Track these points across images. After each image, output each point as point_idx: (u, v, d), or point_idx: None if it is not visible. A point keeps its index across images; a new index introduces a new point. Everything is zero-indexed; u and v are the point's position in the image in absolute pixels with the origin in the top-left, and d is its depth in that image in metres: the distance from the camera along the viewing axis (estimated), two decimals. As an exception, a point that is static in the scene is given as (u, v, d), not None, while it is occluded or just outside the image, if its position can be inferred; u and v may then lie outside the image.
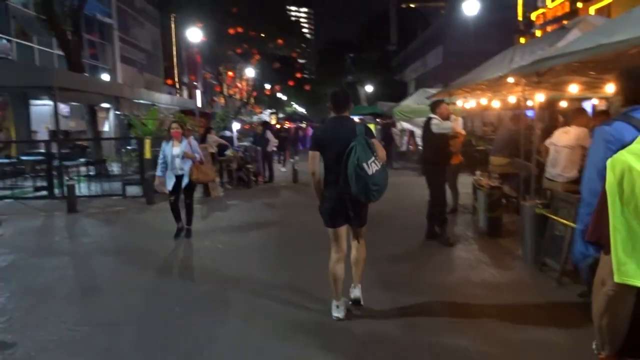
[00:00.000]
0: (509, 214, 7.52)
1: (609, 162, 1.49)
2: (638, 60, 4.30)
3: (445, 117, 6.73)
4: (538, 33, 23.82)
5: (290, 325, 4.09)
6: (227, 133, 15.57)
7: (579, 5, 19.79)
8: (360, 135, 3.90)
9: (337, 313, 4.18)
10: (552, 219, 5.20)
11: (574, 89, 6.53)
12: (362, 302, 4.39)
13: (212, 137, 13.56)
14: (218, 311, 4.47)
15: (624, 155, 1.36)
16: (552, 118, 10.54)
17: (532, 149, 6.68)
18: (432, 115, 6.77)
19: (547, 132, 7.48)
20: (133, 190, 11.55)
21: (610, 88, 5.90)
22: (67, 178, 10.91)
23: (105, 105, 18.80)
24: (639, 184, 1.23)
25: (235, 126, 23.78)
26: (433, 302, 4.54)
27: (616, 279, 1.24)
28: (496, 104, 9.44)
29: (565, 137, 6.17)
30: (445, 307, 4.42)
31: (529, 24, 27.62)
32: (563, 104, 10.03)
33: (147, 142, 12.06)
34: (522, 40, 25.46)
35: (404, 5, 64.33)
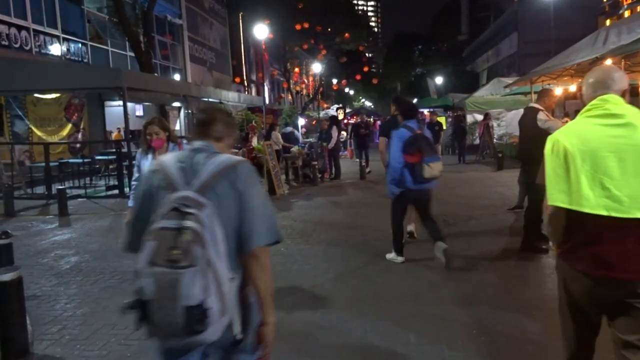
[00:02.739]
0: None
1: (548, 138, 2.28)
2: None
3: (551, 109, 5.88)
4: (627, 14, 21.93)
5: (358, 347, 3.63)
6: (288, 129, 15.13)
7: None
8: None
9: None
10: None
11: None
12: (415, 236, 6.57)
13: (276, 135, 13.31)
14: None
15: (557, 133, 2.26)
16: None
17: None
18: (536, 105, 5.77)
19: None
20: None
21: None
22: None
23: (176, 104, 19.12)
24: (562, 149, 2.16)
25: (301, 122, 23.54)
26: (521, 319, 3.93)
27: (548, 203, 2.21)
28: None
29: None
30: (535, 326, 3.80)
31: (615, 5, 25.56)
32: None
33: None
34: (608, 22, 23.53)
35: (475, -7, 62.06)
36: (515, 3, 42.09)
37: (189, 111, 19.63)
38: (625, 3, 22.42)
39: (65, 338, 3.98)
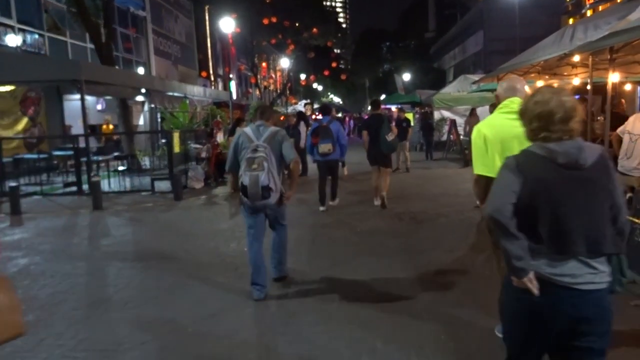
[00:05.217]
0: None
1: (475, 127, 3.31)
2: None
3: None
4: (589, 13, 22.36)
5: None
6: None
7: (636, -19, 18.38)
8: (385, 122, 8.35)
9: (376, 202, 8.58)
10: (632, 223, 4.36)
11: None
12: (386, 203, 8.38)
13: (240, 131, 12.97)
14: (240, 330, 3.86)
15: (480, 124, 3.29)
16: (614, 103, 9.51)
17: (597, 139, 5.83)
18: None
19: (615, 120, 6.56)
20: (163, 185, 11.15)
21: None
22: (93, 174, 10.54)
23: (139, 98, 18.50)
24: (482, 135, 3.18)
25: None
26: (490, 322, 3.81)
27: (474, 172, 3.23)
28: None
29: (643, 124, 5.32)
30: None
31: (578, 4, 26.05)
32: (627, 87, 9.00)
33: (176, 136, 11.64)
34: (571, 21, 23.95)
35: (442, -9, 62.55)
36: (481, 2, 42.59)
37: (153, 106, 19.01)
38: (587, 2, 22.84)
39: (5, 350, 3.62)
